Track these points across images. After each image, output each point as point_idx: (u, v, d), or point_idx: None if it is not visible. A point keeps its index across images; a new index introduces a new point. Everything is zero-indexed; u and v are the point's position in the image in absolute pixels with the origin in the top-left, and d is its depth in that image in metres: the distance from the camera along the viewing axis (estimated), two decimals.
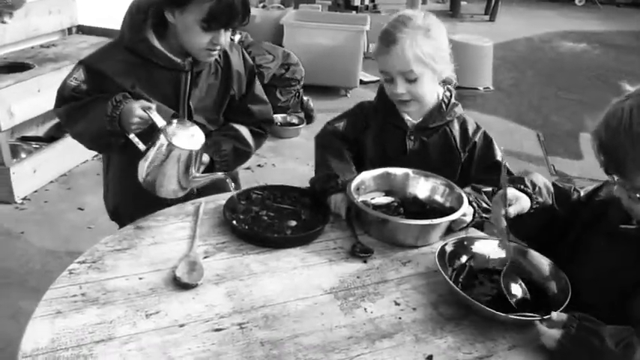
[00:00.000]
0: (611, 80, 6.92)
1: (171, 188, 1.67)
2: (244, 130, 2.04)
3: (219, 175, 1.76)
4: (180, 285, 1.44)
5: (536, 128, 5.24)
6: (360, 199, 1.74)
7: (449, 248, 1.55)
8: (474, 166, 1.94)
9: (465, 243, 1.59)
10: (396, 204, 1.81)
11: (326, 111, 4.82)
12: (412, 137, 1.92)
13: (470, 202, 1.72)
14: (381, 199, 1.82)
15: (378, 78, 5.34)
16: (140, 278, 1.46)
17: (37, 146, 3.97)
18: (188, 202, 1.81)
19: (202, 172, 1.78)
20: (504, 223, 1.46)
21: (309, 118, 4.92)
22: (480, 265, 1.56)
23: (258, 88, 2.07)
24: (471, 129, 1.94)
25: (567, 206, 1.60)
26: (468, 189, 1.85)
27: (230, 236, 1.65)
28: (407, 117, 1.90)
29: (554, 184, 1.66)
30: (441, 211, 1.74)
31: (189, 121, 1.69)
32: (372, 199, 1.80)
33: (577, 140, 5.04)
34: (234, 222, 1.67)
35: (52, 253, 3.13)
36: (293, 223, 1.71)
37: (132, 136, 1.66)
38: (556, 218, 1.59)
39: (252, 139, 2.04)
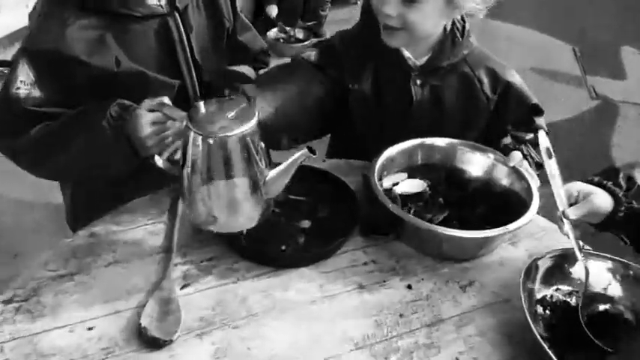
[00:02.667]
0: None
1: (245, 212, 1.11)
2: (251, 72, 1.55)
3: (303, 152, 1.06)
4: (147, 341, 0.99)
5: (571, 42, 4.60)
6: (383, 186, 1.27)
7: (537, 274, 1.09)
8: (509, 114, 1.47)
9: (565, 264, 1.12)
10: (429, 191, 1.32)
11: (334, 22, 4.19)
12: (419, 82, 1.41)
13: (525, 157, 1.35)
14: (407, 185, 1.32)
15: None
16: (89, 328, 1.01)
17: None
18: (164, 189, 1.32)
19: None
20: (567, 229, 1.10)
21: (318, 28, 4.26)
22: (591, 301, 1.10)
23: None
24: (499, 65, 1.47)
25: None
26: (508, 139, 1.38)
27: (219, 247, 1.19)
28: (407, 53, 1.39)
29: None
30: (490, 192, 1.31)
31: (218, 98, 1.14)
32: (394, 184, 1.31)
33: (618, 55, 4.43)
34: None
35: None
36: (306, 223, 1.24)
37: (156, 159, 1.13)
38: None
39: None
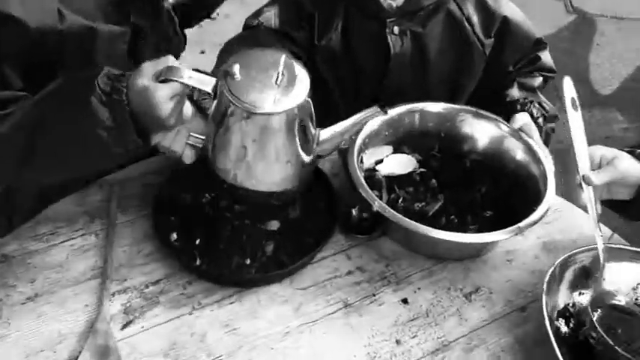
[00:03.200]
0: None
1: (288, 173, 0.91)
2: None
3: (373, 108, 0.91)
4: None
5: None
6: (364, 164, 1.05)
7: (562, 284, 0.90)
8: (509, 57, 1.24)
9: (590, 267, 0.93)
10: (419, 169, 1.10)
11: None
12: (396, 29, 1.15)
13: (530, 113, 1.15)
14: (393, 163, 1.10)
15: None
16: None
17: None
18: (93, 185, 1.06)
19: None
20: (587, 198, 0.91)
21: None
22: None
23: None
24: None
25: None
26: (515, 91, 1.16)
27: (168, 263, 0.96)
28: None
29: None
30: (493, 168, 1.10)
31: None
32: (377, 162, 1.08)
33: None
34: (176, 242, 0.96)
35: None
36: (275, 225, 1.01)
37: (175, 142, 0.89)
38: None
39: None
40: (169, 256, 0.95)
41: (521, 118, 1.13)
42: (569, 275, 0.92)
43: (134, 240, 0.98)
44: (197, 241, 0.96)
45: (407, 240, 0.99)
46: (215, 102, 0.84)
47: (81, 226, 1.00)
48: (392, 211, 0.92)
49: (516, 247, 1.03)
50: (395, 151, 1.12)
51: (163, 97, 0.81)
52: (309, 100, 0.84)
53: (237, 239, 0.97)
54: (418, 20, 1.16)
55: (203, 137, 0.89)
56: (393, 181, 1.07)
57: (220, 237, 0.97)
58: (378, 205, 0.93)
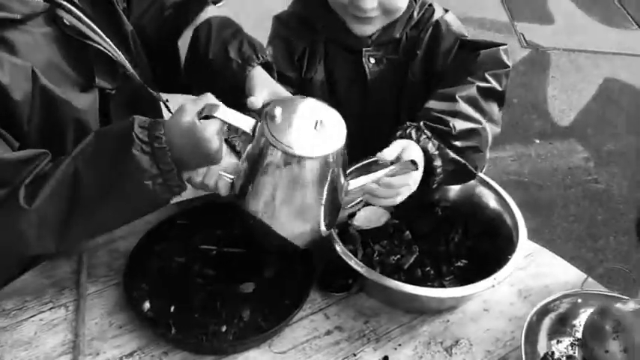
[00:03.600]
0: None
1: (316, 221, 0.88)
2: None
3: (409, 165, 0.91)
4: None
5: None
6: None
7: (542, 327, 0.91)
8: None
9: (566, 315, 0.94)
10: (392, 222, 1.10)
11: None
12: (372, 60, 1.18)
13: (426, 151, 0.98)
14: (366, 216, 1.09)
15: None
16: None
17: None
18: (60, 257, 1.03)
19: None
20: None
21: None
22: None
23: None
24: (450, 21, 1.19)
25: None
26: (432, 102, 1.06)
27: (143, 334, 0.93)
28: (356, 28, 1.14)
29: None
30: (465, 215, 1.11)
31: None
32: (350, 215, 1.08)
33: None
34: (150, 311, 0.94)
35: None
36: (250, 287, 0.99)
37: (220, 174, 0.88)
38: None
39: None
40: (143, 327, 0.93)
41: (401, 147, 0.95)
42: (546, 323, 0.92)
43: (105, 311, 0.95)
44: (171, 309, 0.94)
45: (385, 296, 0.99)
46: (252, 142, 0.82)
47: (49, 299, 0.97)
48: (370, 269, 0.92)
49: (492, 295, 1.04)
50: (367, 204, 1.12)
51: (212, 132, 0.81)
52: (345, 149, 0.83)
53: (213, 305, 0.95)
54: (392, 49, 1.18)
55: (232, 176, 0.87)
56: (368, 234, 1.07)
57: (195, 304, 0.95)
58: (355, 263, 0.93)
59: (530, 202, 2.43)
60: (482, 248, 1.07)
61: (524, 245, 0.98)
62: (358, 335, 0.96)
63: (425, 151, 0.97)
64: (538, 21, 3.99)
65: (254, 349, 0.92)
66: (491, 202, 1.09)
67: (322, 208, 0.86)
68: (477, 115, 1.03)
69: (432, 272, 1.03)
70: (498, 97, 1.08)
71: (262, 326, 0.93)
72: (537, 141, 2.81)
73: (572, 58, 3.60)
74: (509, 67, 1.10)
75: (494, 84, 1.06)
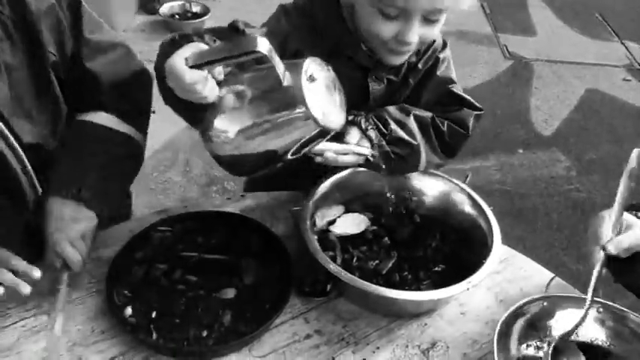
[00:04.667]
0: None
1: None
2: (112, 122, 1.11)
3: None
4: None
5: None
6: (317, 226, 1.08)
7: (513, 332, 0.93)
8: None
9: (535, 319, 0.96)
10: (371, 228, 1.13)
11: None
12: (376, 77, 1.16)
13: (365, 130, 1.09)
14: (345, 223, 1.12)
15: None
16: None
17: None
18: (42, 264, 1.04)
19: None
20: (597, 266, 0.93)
21: None
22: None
23: (92, 21, 1.07)
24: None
25: None
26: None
27: (124, 339, 0.94)
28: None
29: None
30: (442, 221, 1.15)
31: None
32: (329, 222, 1.11)
33: (525, 9, 4.39)
34: (132, 317, 0.95)
35: None
36: (230, 293, 1.01)
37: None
38: None
39: (132, 125, 1.13)
40: (125, 332, 0.94)
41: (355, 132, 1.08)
42: (517, 328, 0.94)
43: (88, 317, 0.97)
44: (153, 315, 0.96)
45: (363, 300, 1.01)
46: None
47: (32, 306, 0.98)
48: (348, 274, 0.94)
49: (469, 299, 1.06)
50: (347, 211, 1.14)
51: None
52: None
53: (194, 311, 0.97)
54: (395, 70, 1.18)
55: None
56: (347, 241, 1.09)
57: (176, 310, 0.97)
58: (334, 268, 0.95)
59: (514, 211, 2.46)
60: (458, 253, 1.09)
61: (499, 249, 1.01)
62: (337, 339, 0.97)
63: (370, 140, 1.08)
64: (521, 33, 4.06)
65: (235, 354, 0.93)
66: (467, 208, 1.11)
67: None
68: (418, 136, 1.12)
69: (409, 277, 1.05)
70: (444, 142, 1.16)
71: (243, 331, 0.94)
72: (520, 150, 2.85)
73: (555, 69, 3.66)
74: (468, 135, 1.19)
75: (446, 132, 1.16)
